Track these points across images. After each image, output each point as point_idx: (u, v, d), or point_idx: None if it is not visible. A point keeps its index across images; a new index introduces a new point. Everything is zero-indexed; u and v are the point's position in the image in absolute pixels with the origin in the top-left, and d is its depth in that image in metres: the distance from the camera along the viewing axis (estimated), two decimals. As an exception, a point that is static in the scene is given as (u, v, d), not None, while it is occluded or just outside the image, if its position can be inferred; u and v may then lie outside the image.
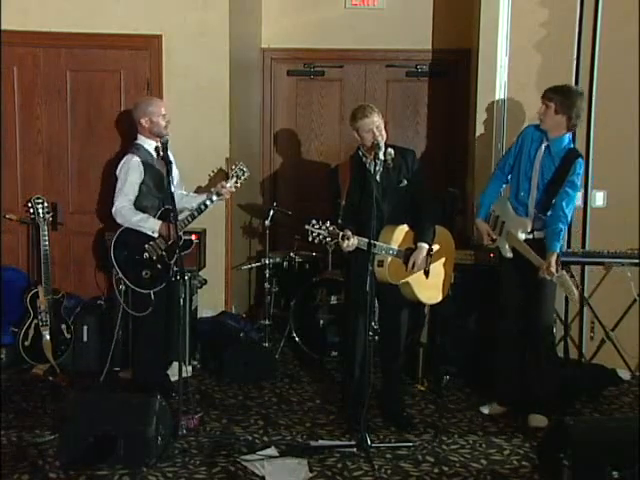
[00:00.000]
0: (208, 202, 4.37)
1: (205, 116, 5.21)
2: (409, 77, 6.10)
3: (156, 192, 4.34)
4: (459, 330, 4.86)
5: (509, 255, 4.15)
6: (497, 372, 4.40)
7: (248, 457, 3.73)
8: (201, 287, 5.11)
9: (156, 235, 4.30)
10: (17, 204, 5.16)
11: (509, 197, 4.25)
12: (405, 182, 4.08)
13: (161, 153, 4.27)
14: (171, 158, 4.25)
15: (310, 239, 3.73)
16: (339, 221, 3.83)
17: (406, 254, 4.02)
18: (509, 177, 4.28)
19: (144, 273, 4.29)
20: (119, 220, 4.30)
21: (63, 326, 4.90)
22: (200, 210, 4.37)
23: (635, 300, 4.81)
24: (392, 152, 3.91)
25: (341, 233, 3.77)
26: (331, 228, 3.74)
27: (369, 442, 3.78)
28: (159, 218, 4.31)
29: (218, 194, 4.41)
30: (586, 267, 4.99)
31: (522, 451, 3.87)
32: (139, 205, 4.31)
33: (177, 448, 3.79)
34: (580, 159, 4.07)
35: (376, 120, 3.99)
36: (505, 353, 4.33)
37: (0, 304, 4.92)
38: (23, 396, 4.50)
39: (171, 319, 4.37)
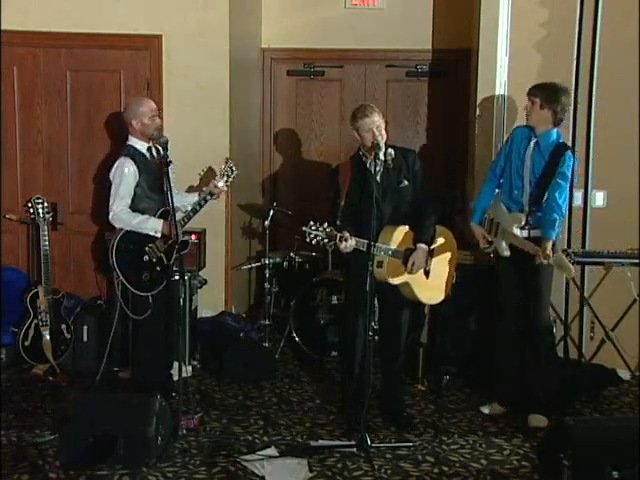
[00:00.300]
0: (203, 202, 4.39)
1: (205, 116, 5.21)
2: (409, 77, 6.10)
3: (151, 193, 4.31)
4: (459, 330, 4.86)
5: (506, 254, 4.15)
6: (497, 372, 4.41)
7: (248, 457, 3.73)
8: (201, 287, 5.11)
9: (159, 235, 4.29)
10: (17, 204, 5.16)
11: (502, 199, 4.28)
12: (406, 182, 4.07)
13: (155, 154, 4.29)
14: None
15: (308, 240, 3.72)
16: (337, 222, 3.83)
17: (405, 254, 4.02)
18: (501, 180, 4.31)
19: (144, 276, 4.28)
20: (118, 225, 4.26)
21: (63, 326, 4.90)
22: (195, 211, 4.38)
23: (635, 300, 4.82)
24: (392, 152, 3.91)
25: (339, 234, 3.76)
26: (329, 229, 3.73)
27: (369, 442, 3.78)
28: (159, 218, 4.30)
29: (211, 194, 4.42)
30: (586, 267, 4.99)
31: (522, 451, 3.87)
32: (135, 208, 4.27)
33: (177, 448, 3.79)
34: (569, 151, 4.12)
35: (376, 120, 3.99)
36: (505, 353, 4.34)
37: (0, 304, 4.92)
38: (23, 396, 4.50)
39: (171, 319, 4.37)
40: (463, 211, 5.28)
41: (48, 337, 4.82)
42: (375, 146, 3.92)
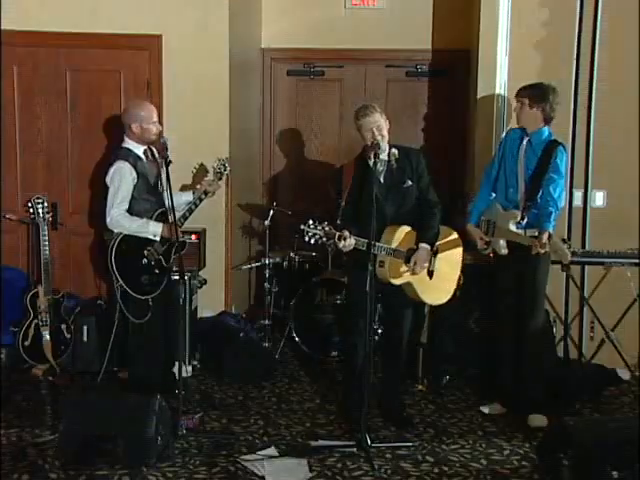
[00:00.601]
0: (198, 202, 4.40)
1: (205, 116, 5.20)
2: (409, 77, 6.10)
3: (147, 195, 4.29)
4: (459, 330, 4.86)
5: (504, 252, 4.16)
6: (497, 372, 4.41)
7: (248, 457, 3.73)
8: (201, 287, 5.12)
9: (158, 239, 4.28)
10: (17, 204, 5.16)
11: (498, 199, 4.30)
12: (409, 183, 4.07)
13: (150, 156, 4.28)
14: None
15: (306, 239, 3.71)
16: (338, 221, 3.82)
17: (408, 254, 4.01)
18: (497, 183, 4.33)
19: (143, 279, 4.28)
20: (117, 229, 4.23)
21: (63, 326, 4.89)
22: (191, 210, 4.39)
23: (635, 300, 4.82)
24: (396, 152, 3.92)
25: (337, 233, 3.75)
26: (327, 228, 3.72)
27: (369, 442, 3.78)
28: (155, 220, 4.29)
29: (206, 192, 4.42)
30: (586, 267, 4.99)
31: (522, 451, 3.87)
32: (131, 210, 4.25)
33: (177, 448, 3.79)
34: (560, 147, 4.15)
35: (376, 120, 4.00)
36: (504, 353, 4.34)
37: (0, 304, 4.92)
38: (23, 396, 4.50)
39: (171, 320, 4.36)
40: (463, 211, 5.28)
41: (48, 337, 4.81)
42: (375, 146, 3.92)
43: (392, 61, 6.06)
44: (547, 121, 4.18)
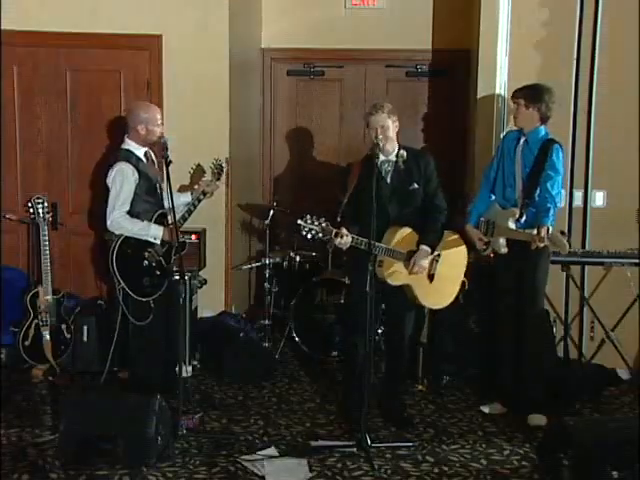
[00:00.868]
0: (197, 202, 4.40)
1: (205, 116, 5.20)
2: (409, 77, 6.10)
3: (147, 196, 4.29)
4: (459, 330, 4.86)
5: (504, 250, 4.16)
6: (497, 372, 4.41)
7: (248, 457, 3.73)
8: (201, 287, 5.12)
9: (158, 242, 4.28)
10: (17, 204, 5.16)
11: (496, 199, 4.31)
12: (416, 185, 4.06)
13: (150, 158, 4.26)
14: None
15: (303, 234, 3.71)
16: (338, 219, 3.81)
17: (408, 256, 4.01)
18: (495, 184, 4.35)
19: (144, 280, 4.28)
20: (118, 232, 4.21)
21: (63, 326, 4.89)
22: (190, 211, 4.40)
23: (635, 300, 4.82)
24: (404, 154, 3.92)
25: (334, 230, 3.75)
26: (324, 224, 3.71)
27: (369, 442, 3.78)
28: (155, 222, 4.28)
29: (204, 193, 4.42)
30: (586, 267, 4.99)
31: (522, 451, 3.87)
32: (131, 211, 4.23)
33: (177, 448, 3.79)
34: (557, 145, 4.17)
35: (382, 120, 3.98)
36: (504, 353, 4.34)
37: (0, 304, 4.92)
38: (23, 396, 4.50)
39: (172, 321, 4.35)
40: (463, 212, 5.27)
41: (48, 337, 4.81)
42: (374, 146, 3.92)
43: (392, 61, 6.06)
44: (543, 120, 4.21)
